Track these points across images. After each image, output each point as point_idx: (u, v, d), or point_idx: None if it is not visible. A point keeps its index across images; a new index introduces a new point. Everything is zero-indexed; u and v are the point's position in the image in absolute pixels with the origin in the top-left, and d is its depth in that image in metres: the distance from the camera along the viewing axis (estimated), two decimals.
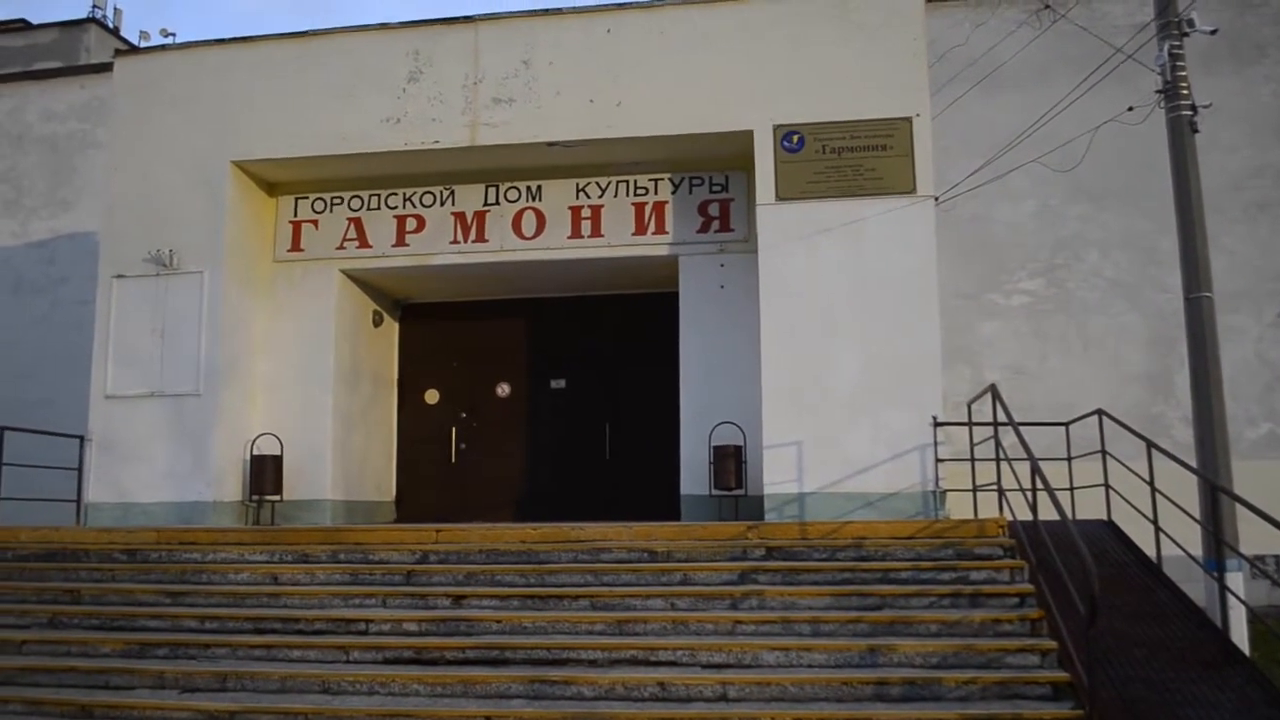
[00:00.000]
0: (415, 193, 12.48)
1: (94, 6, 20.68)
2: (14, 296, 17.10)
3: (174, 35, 18.86)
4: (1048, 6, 12.77)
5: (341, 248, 12.54)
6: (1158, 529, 8.72)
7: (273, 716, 7.01)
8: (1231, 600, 8.64)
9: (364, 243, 12.51)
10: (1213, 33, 10.45)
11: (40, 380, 16.26)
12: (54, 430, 12.47)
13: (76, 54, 19.76)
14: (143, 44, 19.67)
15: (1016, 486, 8.47)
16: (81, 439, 11.85)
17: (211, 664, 7.77)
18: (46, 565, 9.60)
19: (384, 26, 12.04)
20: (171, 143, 12.09)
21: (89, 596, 8.98)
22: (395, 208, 12.51)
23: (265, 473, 11.84)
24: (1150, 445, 8.90)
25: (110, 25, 20.83)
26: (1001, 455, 9.19)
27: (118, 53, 13.20)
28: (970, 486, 10.06)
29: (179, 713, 7.15)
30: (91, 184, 16.65)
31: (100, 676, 7.71)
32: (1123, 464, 9.37)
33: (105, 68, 15.31)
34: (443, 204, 12.42)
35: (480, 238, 12.30)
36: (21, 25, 20.54)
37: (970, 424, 10.52)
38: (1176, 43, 10.25)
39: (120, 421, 11.71)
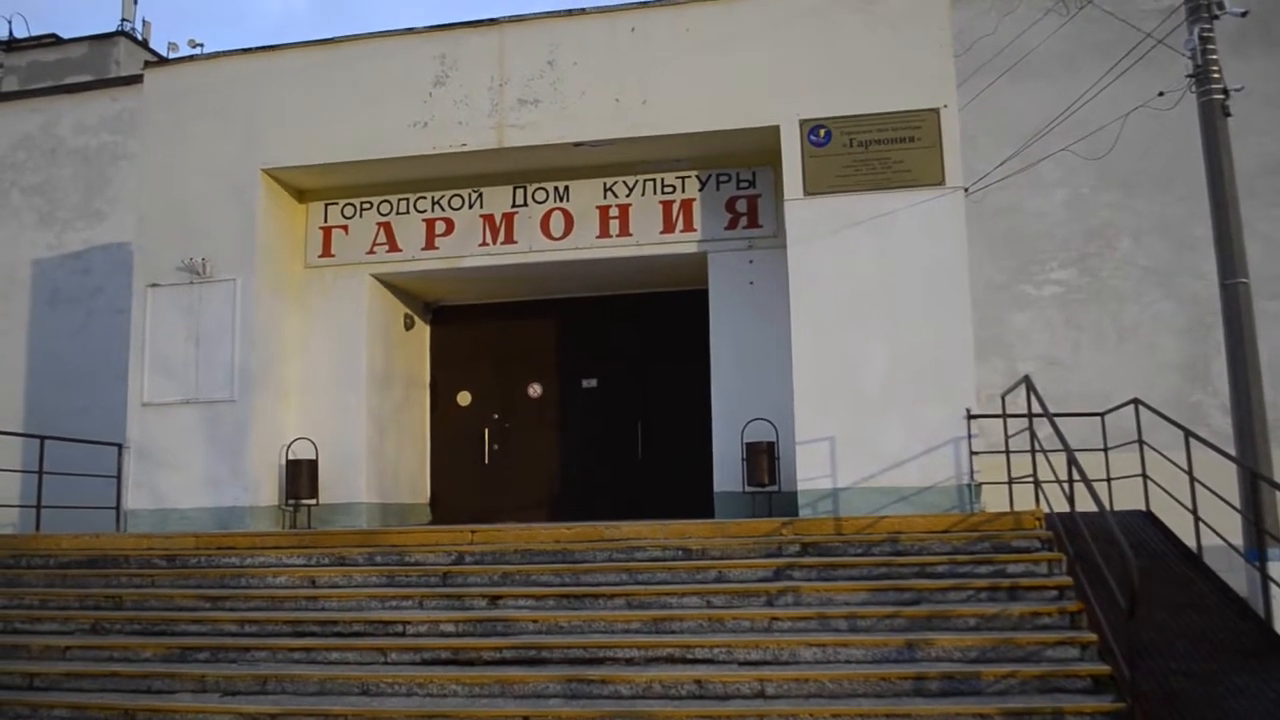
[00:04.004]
0: (444, 196, 12.54)
1: (123, 20, 20.91)
2: (51, 308, 17.31)
3: (202, 46, 19.01)
4: None
5: (372, 252, 12.62)
6: (1197, 519, 8.63)
7: (313, 718, 7.06)
8: (1274, 589, 8.54)
9: (394, 247, 12.58)
10: (1243, 15, 10.35)
11: (78, 389, 16.46)
12: (92, 438, 12.66)
13: (107, 67, 19.97)
14: (171, 55, 19.86)
15: (1053, 478, 8.41)
16: (119, 446, 12.00)
17: (251, 667, 7.83)
18: (88, 572, 9.71)
19: (409, 31, 12.08)
20: (202, 152, 12.20)
21: (130, 602, 9.08)
22: (424, 211, 12.58)
23: (300, 477, 11.93)
24: (1188, 434, 8.81)
25: (139, 38, 21.04)
26: (1037, 447, 9.12)
27: (147, 64, 13.36)
28: (1006, 479, 9.99)
29: (220, 716, 7.22)
30: (124, 195, 16.83)
31: (142, 681, 7.79)
32: (1160, 453, 9.28)
33: (135, 80, 15.52)
34: (471, 206, 12.47)
35: (509, 239, 12.33)
36: (53, 40, 20.79)
37: (1004, 416, 10.44)
38: (1206, 26, 10.15)
39: (157, 429, 11.83)
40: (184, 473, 11.68)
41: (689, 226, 11.99)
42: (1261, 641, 7.31)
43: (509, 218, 12.38)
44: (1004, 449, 10.08)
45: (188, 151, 12.25)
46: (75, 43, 20.62)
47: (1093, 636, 7.10)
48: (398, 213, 12.63)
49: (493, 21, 11.85)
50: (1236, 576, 9.05)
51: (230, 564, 9.49)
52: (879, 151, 10.72)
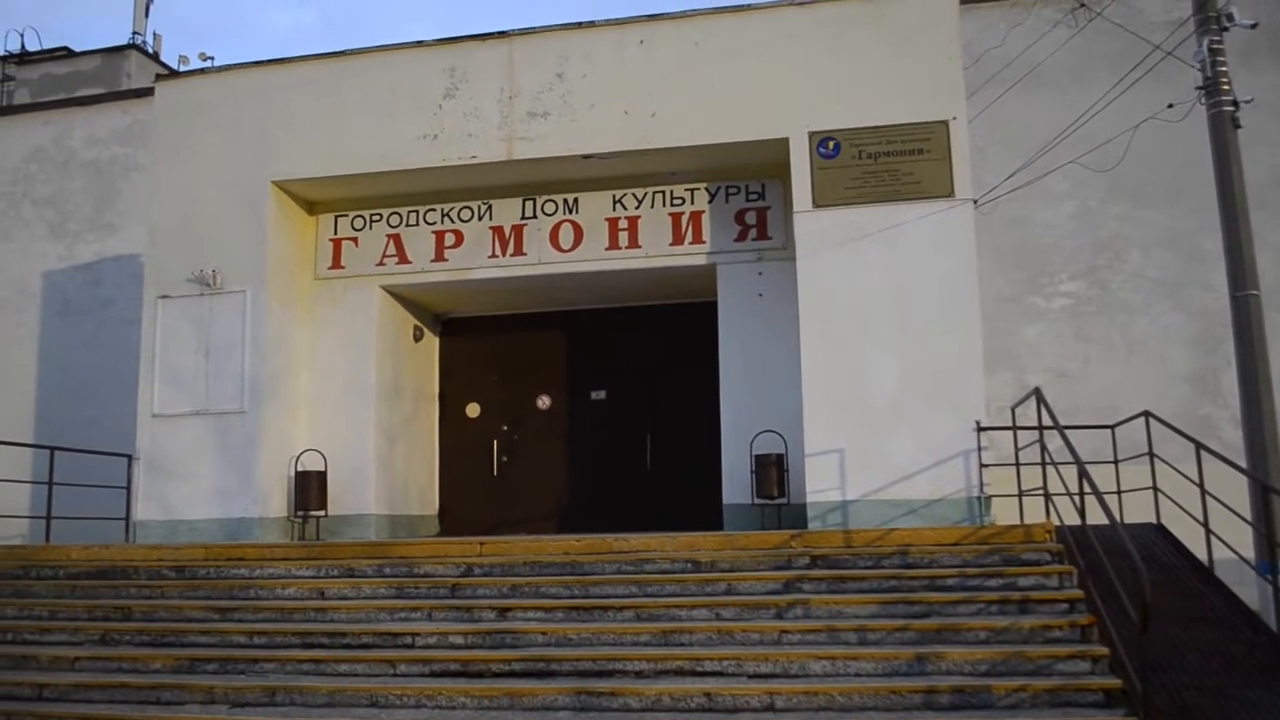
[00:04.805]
0: (453, 208, 12.57)
1: (134, 33, 21.00)
2: (62, 319, 17.36)
3: (212, 59, 19.06)
4: (1083, 5, 12.64)
5: (381, 264, 12.65)
6: (1208, 532, 8.60)
7: None
8: None
9: (403, 259, 12.61)
10: (1253, 26, 10.35)
11: (88, 400, 16.50)
12: (102, 449, 12.69)
13: (118, 80, 20.06)
14: (182, 68, 19.93)
15: (1063, 491, 8.39)
16: (129, 458, 12.02)
17: (260, 679, 7.82)
18: (97, 583, 9.73)
19: (419, 44, 12.13)
20: (213, 164, 12.24)
21: (139, 613, 9.09)
22: (434, 223, 12.60)
23: (310, 488, 11.94)
24: (1199, 446, 8.78)
25: (150, 51, 21.11)
26: (1047, 459, 9.10)
27: (158, 77, 13.42)
28: (1016, 492, 9.97)
29: None
30: (135, 207, 16.88)
31: (151, 692, 7.78)
32: (1171, 466, 9.25)
33: (146, 92, 15.59)
34: (480, 218, 12.50)
35: (518, 251, 12.35)
36: (65, 53, 20.87)
37: (1014, 428, 10.42)
38: (1216, 38, 10.13)
39: (167, 440, 11.85)
40: (193, 484, 11.69)
41: (698, 238, 12.00)
42: (1274, 655, 7.27)
43: (518, 230, 12.40)
44: (1014, 461, 10.07)
45: (198, 163, 12.30)
46: (87, 55, 20.69)
47: (1104, 650, 7.06)
48: (407, 225, 12.66)
49: (502, 34, 11.89)
50: (1248, 590, 9.01)
51: (239, 575, 9.50)
52: (888, 163, 10.72)
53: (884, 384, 10.39)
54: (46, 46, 21.07)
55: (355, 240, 12.78)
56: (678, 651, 7.62)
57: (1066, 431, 8.40)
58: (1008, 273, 14.38)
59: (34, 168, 18.03)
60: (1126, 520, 9.40)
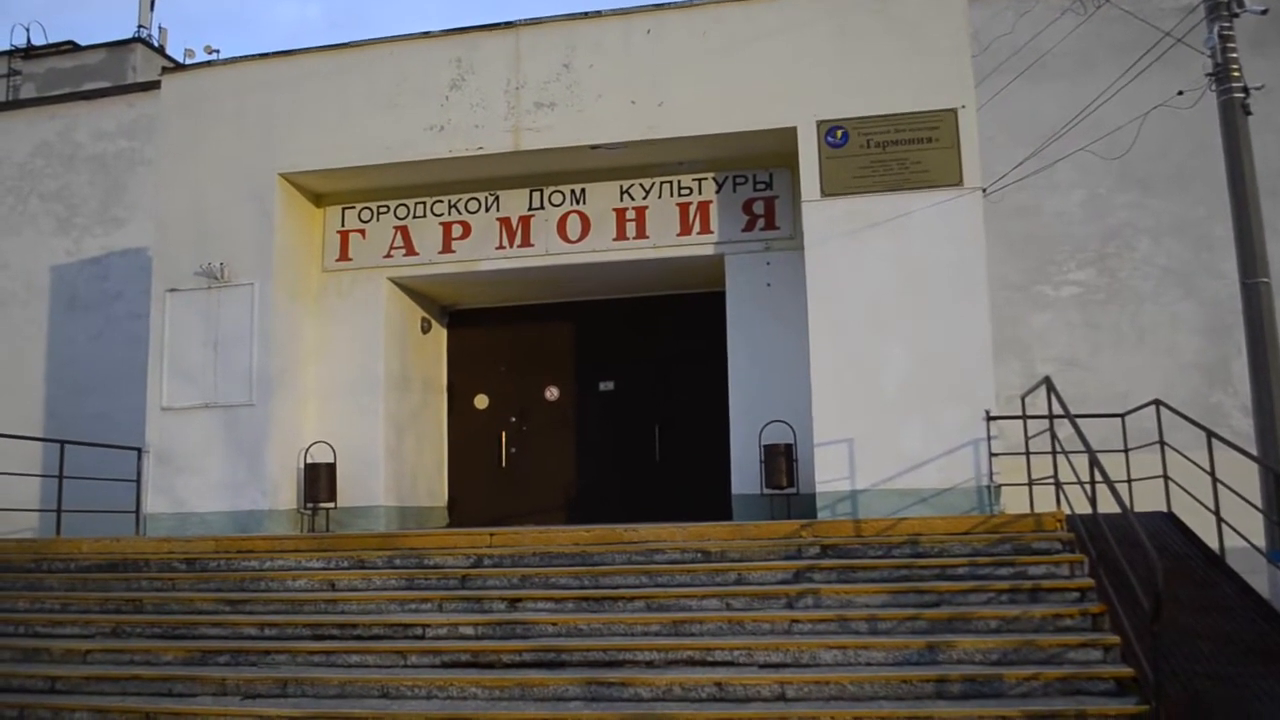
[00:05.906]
0: (460, 199, 12.56)
1: (140, 27, 21.00)
2: (69, 313, 17.40)
3: (218, 52, 19.05)
4: None
5: (389, 256, 12.65)
6: (1220, 520, 8.58)
7: None
8: None
9: (411, 250, 12.60)
10: (1263, 13, 10.32)
11: (97, 394, 16.53)
12: (112, 443, 12.72)
13: (124, 73, 20.07)
14: (188, 62, 19.91)
15: (1074, 479, 8.37)
16: (139, 451, 12.04)
17: (272, 670, 7.85)
18: (108, 575, 9.76)
19: (425, 35, 12.10)
20: (219, 157, 12.24)
21: (150, 605, 9.11)
22: (441, 215, 12.59)
23: (319, 480, 11.96)
24: (1210, 435, 8.75)
25: (156, 44, 21.11)
26: (1057, 448, 9.08)
27: (164, 70, 13.40)
28: (1026, 480, 9.95)
29: (241, 719, 7.23)
30: (142, 201, 16.90)
31: (163, 684, 7.82)
32: (1182, 454, 9.21)
33: (152, 86, 15.59)
34: (488, 210, 12.49)
35: (526, 242, 12.33)
36: (70, 47, 20.88)
37: (1024, 417, 10.39)
38: (1226, 24, 10.11)
39: (176, 433, 11.86)
40: (203, 476, 11.71)
41: (706, 229, 11.97)
42: None
43: (525, 221, 12.39)
44: (1024, 450, 10.04)
45: (205, 157, 12.30)
46: (92, 49, 20.71)
47: (1115, 638, 7.05)
48: (415, 216, 12.65)
49: (509, 25, 11.87)
50: (1260, 578, 8.98)
51: (250, 567, 9.52)
52: (897, 152, 10.68)
53: (893, 373, 10.37)
54: (52, 41, 21.11)
55: (363, 232, 12.77)
56: (688, 641, 7.63)
57: (1076, 420, 8.38)
58: (1016, 261, 14.34)
59: (40, 162, 18.05)
60: (1137, 509, 9.36)
